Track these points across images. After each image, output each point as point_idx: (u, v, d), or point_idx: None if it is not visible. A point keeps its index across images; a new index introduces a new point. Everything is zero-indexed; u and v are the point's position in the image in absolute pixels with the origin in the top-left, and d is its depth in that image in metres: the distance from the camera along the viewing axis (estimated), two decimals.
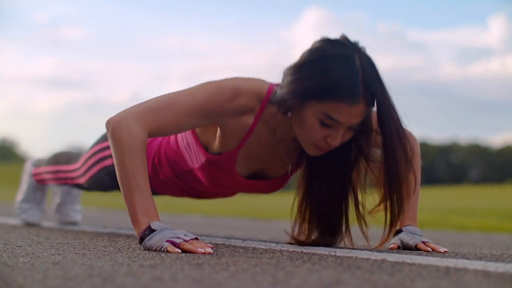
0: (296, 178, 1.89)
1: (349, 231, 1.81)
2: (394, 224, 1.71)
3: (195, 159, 1.84)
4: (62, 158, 2.49)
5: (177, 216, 6.07)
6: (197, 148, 1.82)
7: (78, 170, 2.31)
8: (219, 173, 1.82)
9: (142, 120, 1.61)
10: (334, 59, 1.55)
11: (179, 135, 1.89)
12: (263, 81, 1.74)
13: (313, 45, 1.62)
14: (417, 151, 1.91)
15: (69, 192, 2.80)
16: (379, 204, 1.71)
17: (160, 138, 1.99)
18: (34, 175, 2.68)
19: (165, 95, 1.68)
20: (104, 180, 2.19)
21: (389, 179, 1.65)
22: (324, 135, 1.59)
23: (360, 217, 1.78)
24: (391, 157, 1.63)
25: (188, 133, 1.84)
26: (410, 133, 1.92)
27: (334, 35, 1.63)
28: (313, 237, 1.83)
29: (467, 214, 6.94)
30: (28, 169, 2.74)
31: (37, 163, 2.70)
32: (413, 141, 1.91)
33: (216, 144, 1.78)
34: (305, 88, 1.55)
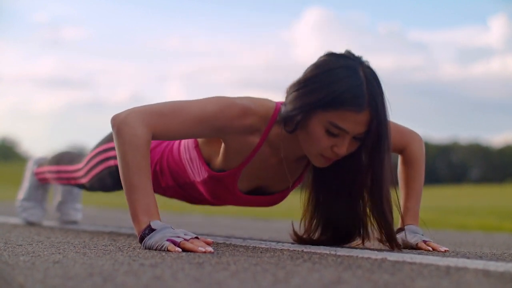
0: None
1: (365, 233, 1.80)
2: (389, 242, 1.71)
3: (197, 174, 1.84)
4: (64, 158, 2.49)
5: (177, 215, 6.07)
6: (199, 163, 1.81)
7: (81, 170, 2.32)
8: (220, 188, 1.82)
9: (148, 121, 1.61)
10: (338, 70, 1.57)
11: (182, 148, 1.89)
12: (270, 101, 1.74)
13: (317, 60, 1.63)
14: (421, 151, 1.91)
15: (70, 191, 2.80)
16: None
17: (163, 146, 2.00)
18: (36, 174, 2.69)
19: (175, 101, 1.67)
20: (106, 180, 2.19)
21: (373, 193, 1.68)
22: (330, 144, 1.60)
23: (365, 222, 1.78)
24: (378, 174, 1.65)
25: (191, 147, 1.83)
26: (415, 133, 1.93)
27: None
28: (320, 237, 1.83)
29: (467, 213, 6.94)
30: (30, 167, 2.75)
31: (40, 162, 2.71)
32: (418, 141, 1.91)
33: (219, 161, 1.78)
34: (312, 101, 1.57)
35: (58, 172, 2.49)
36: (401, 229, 1.84)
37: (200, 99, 1.68)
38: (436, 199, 13.58)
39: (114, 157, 2.10)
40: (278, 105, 1.72)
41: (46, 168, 2.59)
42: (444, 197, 16.13)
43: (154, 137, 1.63)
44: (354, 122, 1.56)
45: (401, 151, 1.91)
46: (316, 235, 1.83)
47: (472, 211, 7.56)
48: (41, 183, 2.71)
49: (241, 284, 0.99)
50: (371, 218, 1.73)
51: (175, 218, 5.17)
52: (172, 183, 1.98)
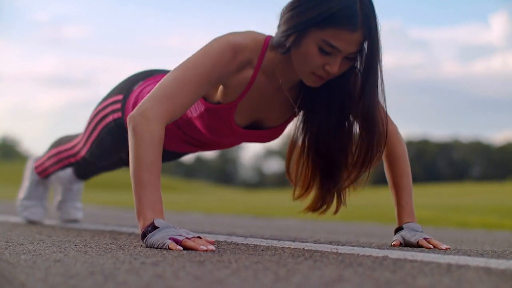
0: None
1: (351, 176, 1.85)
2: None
3: (194, 108, 1.87)
4: (63, 140, 2.53)
5: (178, 213, 6.08)
6: None
7: (80, 142, 2.34)
8: (217, 122, 1.85)
9: (160, 113, 1.63)
10: None
11: None
12: (258, 33, 1.78)
13: None
14: (404, 146, 1.91)
15: (70, 189, 2.80)
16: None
17: None
18: (36, 167, 2.70)
19: (172, 74, 1.68)
20: (106, 142, 2.19)
21: (363, 120, 1.73)
22: (323, 63, 1.64)
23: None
24: (367, 101, 1.69)
25: None
26: (396, 126, 1.92)
27: None
28: (314, 188, 1.90)
29: (468, 211, 6.94)
30: (30, 166, 2.75)
31: (39, 159, 2.72)
32: (400, 136, 1.91)
33: (216, 96, 1.81)
34: (306, 19, 1.60)
35: (58, 153, 2.51)
36: (400, 228, 1.84)
37: (192, 58, 1.70)
38: (437, 197, 13.58)
39: (112, 112, 2.12)
40: (268, 37, 1.76)
41: (45, 156, 2.61)
42: (445, 195, 16.12)
43: (168, 123, 1.66)
44: (347, 41, 1.60)
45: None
46: (309, 175, 1.89)
47: (473, 209, 7.55)
48: (41, 177, 2.71)
49: (242, 282, 0.99)
50: (359, 143, 1.77)
51: (176, 216, 5.18)
52: (170, 124, 1.99)
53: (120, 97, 2.09)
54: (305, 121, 1.88)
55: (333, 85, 1.75)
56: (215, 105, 1.81)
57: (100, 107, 2.20)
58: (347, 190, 1.89)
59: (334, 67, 1.63)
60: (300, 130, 1.90)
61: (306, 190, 1.93)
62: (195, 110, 1.87)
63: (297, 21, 1.62)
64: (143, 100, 1.67)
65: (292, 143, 1.93)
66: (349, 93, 1.76)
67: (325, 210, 1.93)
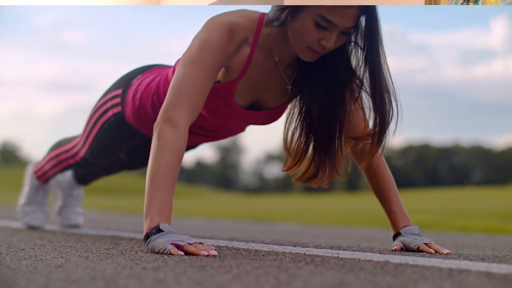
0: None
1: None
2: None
3: None
4: (62, 142, 2.53)
5: (179, 218, 6.07)
6: None
7: (79, 143, 2.33)
8: (217, 102, 1.84)
9: (184, 117, 1.64)
10: None
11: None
12: (251, 11, 1.79)
13: None
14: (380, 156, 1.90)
15: (70, 194, 2.80)
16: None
17: (158, 78, 2.00)
18: (36, 171, 2.69)
19: (180, 75, 1.69)
20: (105, 138, 2.18)
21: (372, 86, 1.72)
22: (319, 37, 1.64)
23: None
24: (372, 73, 1.70)
25: None
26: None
27: None
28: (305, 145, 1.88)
29: (469, 215, 6.92)
30: (29, 172, 2.75)
31: (38, 163, 2.72)
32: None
33: (216, 77, 1.81)
34: None
35: (57, 156, 2.50)
36: (398, 234, 1.83)
37: (194, 54, 1.70)
38: (438, 202, 13.55)
39: (112, 107, 2.12)
40: (263, 14, 1.77)
41: (45, 159, 2.61)
42: (446, 199, 16.08)
43: (191, 123, 1.67)
44: (343, 16, 1.61)
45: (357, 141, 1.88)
46: (302, 141, 1.87)
47: (474, 213, 7.53)
48: (41, 181, 2.71)
49: (244, 287, 0.99)
50: (371, 112, 1.76)
51: (178, 221, 5.17)
52: None
53: (119, 91, 2.10)
54: (303, 95, 1.87)
55: (330, 59, 1.76)
56: (215, 83, 1.81)
57: (99, 103, 2.20)
58: (340, 161, 1.85)
59: (330, 42, 1.64)
60: (297, 102, 1.89)
61: (297, 162, 1.91)
62: None
63: None
64: (163, 107, 1.67)
65: (290, 114, 1.91)
66: (348, 66, 1.76)
67: (318, 182, 1.90)
